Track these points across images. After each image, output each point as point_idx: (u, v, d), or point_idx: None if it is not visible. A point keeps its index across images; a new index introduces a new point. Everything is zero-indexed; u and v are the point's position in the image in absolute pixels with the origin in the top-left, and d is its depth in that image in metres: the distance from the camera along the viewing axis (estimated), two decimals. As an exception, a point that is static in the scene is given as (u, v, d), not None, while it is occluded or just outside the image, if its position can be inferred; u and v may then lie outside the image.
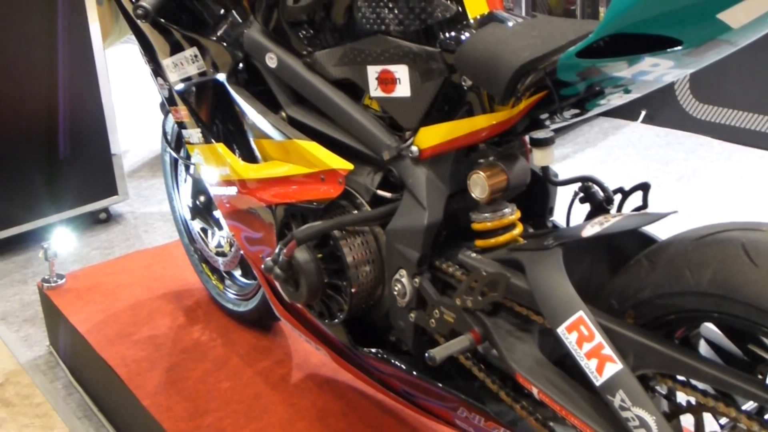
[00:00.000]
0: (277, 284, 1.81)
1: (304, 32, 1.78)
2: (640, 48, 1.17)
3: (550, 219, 1.69)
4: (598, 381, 1.25)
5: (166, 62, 2.06)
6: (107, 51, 3.44)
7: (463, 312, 1.49)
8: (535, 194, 1.62)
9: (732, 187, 3.87)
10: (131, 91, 5.19)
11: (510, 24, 1.50)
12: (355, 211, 1.71)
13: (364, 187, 1.69)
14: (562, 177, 1.64)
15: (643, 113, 4.72)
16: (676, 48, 1.14)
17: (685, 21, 1.09)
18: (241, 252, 2.24)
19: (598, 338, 1.26)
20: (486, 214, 1.54)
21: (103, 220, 3.83)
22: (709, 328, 1.36)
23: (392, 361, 1.72)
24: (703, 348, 1.37)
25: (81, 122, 3.58)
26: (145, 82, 2.26)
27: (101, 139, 3.66)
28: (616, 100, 1.42)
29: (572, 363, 1.29)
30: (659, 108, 4.64)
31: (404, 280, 1.61)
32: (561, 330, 1.29)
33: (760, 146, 4.30)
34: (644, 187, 1.55)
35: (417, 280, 1.59)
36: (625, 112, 4.72)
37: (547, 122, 1.50)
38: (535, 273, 1.37)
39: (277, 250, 1.72)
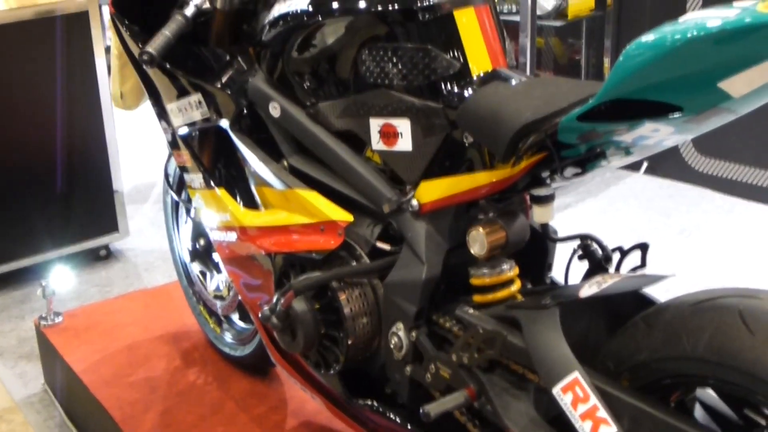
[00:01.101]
0: (274, 332, 1.81)
1: (308, 83, 1.79)
2: (641, 113, 1.18)
3: (549, 275, 1.70)
4: (592, 444, 1.25)
5: (171, 107, 2.07)
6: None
7: (459, 368, 1.49)
8: (534, 251, 1.63)
9: (733, 242, 3.86)
10: (136, 126, 5.21)
11: (513, 83, 1.51)
12: (354, 263, 1.71)
13: (363, 239, 1.70)
14: (563, 230, 1.65)
15: (645, 164, 4.72)
16: (676, 114, 1.15)
17: (686, 89, 1.10)
18: (239, 297, 2.24)
19: (593, 400, 1.25)
20: (484, 270, 1.54)
21: (103, 257, 3.83)
22: (706, 392, 1.35)
23: (387, 413, 1.71)
24: (699, 412, 1.36)
25: (83, 157, 3.58)
26: (151, 118, 2.26)
27: (103, 174, 3.65)
28: (617, 161, 1.43)
29: (567, 424, 1.29)
30: (661, 159, 4.65)
31: (401, 333, 1.61)
32: (556, 390, 1.29)
33: (761, 200, 4.30)
34: (643, 247, 1.55)
35: (414, 333, 1.59)
36: (627, 164, 4.73)
37: (549, 180, 1.50)
38: (532, 332, 1.37)
39: (274, 300, 1.73)
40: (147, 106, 2.30)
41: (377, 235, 1.69)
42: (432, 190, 1.57)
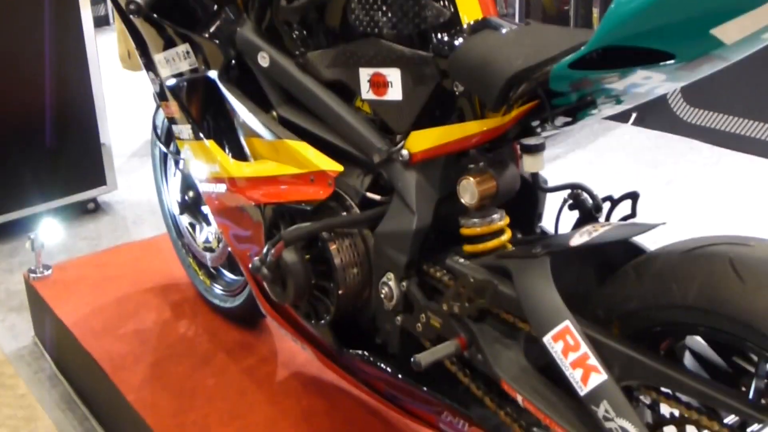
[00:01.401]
0: (264, 283, 1.81)
1: (297, 32, 1.77)
2: (633, 60, 1.17)
3: (539, 225, 1.69)
4: (582, 391, 1.26)
5: (158, 57, 2.05)
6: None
7: (449, 317, 1.49)
8: (524, 200, 1.62)
9: (720, 192, 3.88)
10: (123, 79, 5.16)
11: (503, 31, 1.50)
12: (344, 213, 1.71)
13: (353, 189, 1.69)
14: (551, 181, 1.64)
15: (634, 115, 4.72)
16: (668, 62, 1.14)
17: (678, 36, 1.09)
18: (229, 249, 2.24)
19: (584, 348, 1.26)
20: (475, 220, 1.54)
21: (91, 210, 3.82)
22: (695, 339, 1.36)
23: (377, 363, 1.72)
24: (688, 359, 1.37)
25: (70, 111, 3.56)
26: (141, 73, 2.25)
27: (91, 128, 3.64)
28: (608, 110, 1.42)
29: (557, 372, 1.30)
30: (650, 110, 4.65)
31: (392, 283, 1.62)
32: (547, 339, 1.30)
33: (748, 151, 4.31)
34: (633, 196, 1.55)
35: (404, 283, 1.59)
36: (616, 114, 4.72)
37: (539, 129, 1.50)
38: (523, 281, 1.37)
39: (264, 250, 1.72)
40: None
41: (367, 186, 1.68)
42: (422, 140, 1.56)
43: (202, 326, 2.49)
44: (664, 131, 4.65)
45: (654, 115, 4.66)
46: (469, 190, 1.50)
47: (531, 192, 1.64)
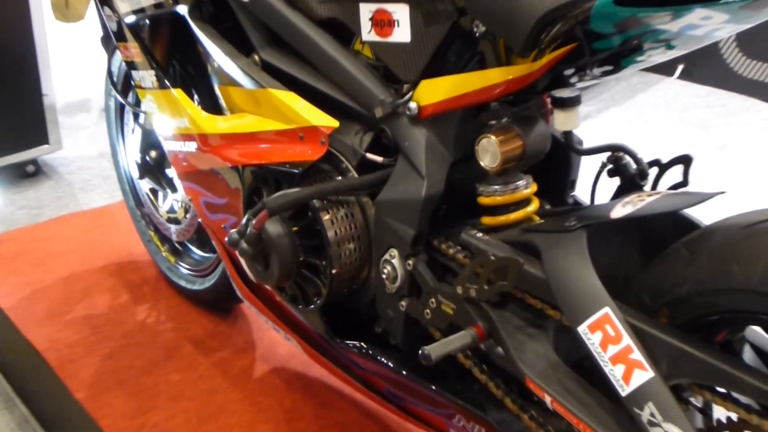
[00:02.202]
0: (242, 261, 1.81)
1: (284, -41, 1.77)
2: (691, -4, 1.17)
3: (572, 194, 1.70)
4: (624, 390, 1.26)
5: (116, -11, 2.04)
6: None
7: (465, 302, 1.49)
8: (555, 164, 1.63)
9: (782, 160, 3.88)
10: (74, 28, 5.13)
11: (534, -41, 1.49)
12: (339, 178, 1.70)
13: (350, 149, 1.69)
14: (587, 144, 1.64)
15: (680, 68, 4.71)
16: (733, -2, 1.14)
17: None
18: (199, 220, 2.24)
19: (626, 340, 1.26)
20: (496, 187, 1.54)
21: (30, 173, 3.80)
22: (756, 331, 1.36)
23: (377, 356, 1.73)
24: (748, 354, 1.38)
25: (6, 56, 3.54)
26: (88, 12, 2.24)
27: (31, 77, 3.61)
28: (657, 56, 1.41)
29: (594, 368, 1.30)
30: (699, 62, 4.64)
31: (395, 261, 1.62)
32: (582, 328, 1.30)
33: (816, 111, 4.31)
34: (685, 161, 1.55)
35: (411, 262, 1.59)
36: (659, 66, 4.72)
37: (574, 80, 1.49)
38: (553, 259, 1.37)
39: (244, 221, 1.72)
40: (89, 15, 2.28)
41: (367, 145, 1.68)
42: (434, 91, 1.56)
43: (166, 312, 2.49)
44: (716, 87, 4.64)
45: (704, 67, 4.65)
46: (489, 151, 1.50)
47: (563, 154, 1.64)
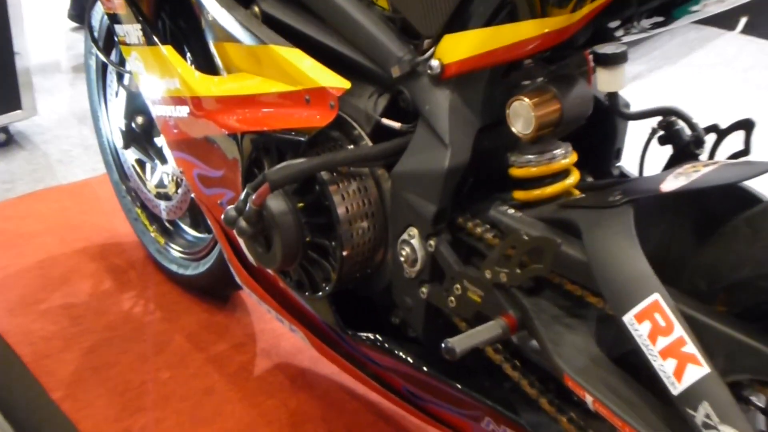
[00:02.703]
0: (240, 241, 1.82)
1: None
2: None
3: (617, 165, 1.69)
4: (675, 388, 1.26)
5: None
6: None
7: (494, 289, 1.49)
8: (598, 131, 1.62)
9: None
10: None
11: None
12: (351, 147, 1.71)
13: (363, 113, 1.69)
14: (634, 108, 1.64)
15: (743, 20, 4.68)
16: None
17: None
18: (192, 195, 2.24)
19: (679, 331, 1.26)
20: (530, 156, 1.53)
21: (1, 143, 3.82)
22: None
23: (394, 350, 1.73)
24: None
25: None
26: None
27: (1, 34, 3.62)
28: (714, 6, 1.41)
29: (641, 363, 1.30)
30: (766, 14, 4.62)
31: (415, 242, 1.62)
32: (628, 318, 1.30)
33: None
34: (747, 126, 1.54)
35: (432, 242, 1.59)
36: (719, 18, 4.69)
37: (619, 33, 1.49)
38: (595, 239, 1.37)
39: (242, 196, 1.72)
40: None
41: (383, 109, 1.68)
42: (459, 47, 1.55)
43: (155, 300, 2.50)
44: (785, 42, 4.62)
45: (771, 20, 4.63)
46: (522, 116, 1.49)
47: (607, 119, 1.64)
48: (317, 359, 2.11)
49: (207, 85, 1.91)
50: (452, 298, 1.57)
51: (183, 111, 1.98)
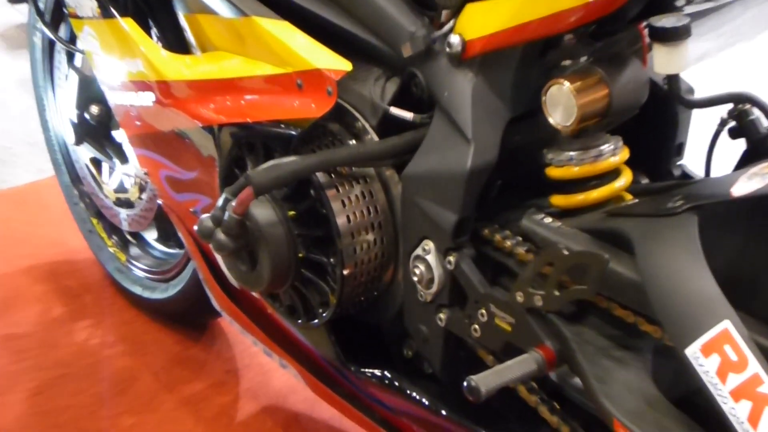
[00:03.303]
0: (219, 258, 1.82)
1: None
2: None
3: (679, 163, 1.69)
4: (750, 437, 1.26)
5: None
6: None
7: (527, 315, 1.49)
8: (654, 122, 1.62)
9: None
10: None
11: None
12: (353, 142, 1.71)
13: (368, 101, 1.70)
14: (700, 94, 1.64)
15: (834, -13, 4.70)
16: None
17: None
18: (159, 202, 2.24)
19: (754, 366, 1.26)
20: (571, 153, 1.53)
21: (-73, 139, 3.84)
22: None
23: (406, 390, 1.74)
24: None
25: None
26: None
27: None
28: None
29: (708, 405, 1.30)
30: None
31: (431, 258, 1.62)
32: (692, 351, 1.29)
33: None
34: (836, 116, 1.55)
35: (452, 258, 1.59)
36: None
37: (680, 2, 1.49)
38: (651, 254, 1.37)
39: (220, 202, 1.72)
40: None
41: (392, 96, 1.68)
42: (484, 19, 1.55)
43: (114, 331, 2.51)
44: None
45: None
46: (562, 103, 1.49)
47: (666, 107, 1.64)
48: (313, 401, 2.11)
49: (177, 67, 1.91)
50: (476, 326, 1.58)
51: (147, 98, 1.98)
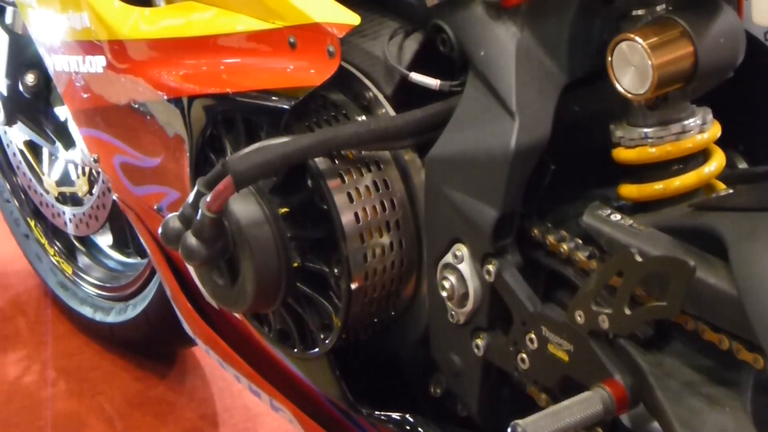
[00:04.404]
0: (191, 269, 1.81)
1: None
2: None
3: (786, 143, 1.69)
4: None
5: None
6: None
7: (591, 340, 1.48)
8: (753, 89, 1.61)
9: None
10: None
11: None
12: (361, 118, 1.70)
13: (381, 64, 1.69)
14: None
15: None
16: None
17: None
18: (114, 197, 2.24)
19: None
20: (646, 130, 1.52)
21: None
22: None
23: (430, 436, 1.73)
24: None
25: None
26: None
27: None
28: None
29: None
30: None
31: (464, 267, 1.61)
32: (805, 385, 1.29)
33: None
34: None
35: (492, 267, 1.58)
36: None
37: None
38: (751, 260, 1.36)
39: (191, 197, 1.72)
40: None
41: (411, 57, 1.68)
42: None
43: (57, 364, 2.51)
44: None
45: None
46: (634, 64, 1.48)
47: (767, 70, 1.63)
48: (312, 452, 2.11)
49: (134, 22, 1.91)
50: (524, 356, 1.57)
51: (97, 63, 1.97)
